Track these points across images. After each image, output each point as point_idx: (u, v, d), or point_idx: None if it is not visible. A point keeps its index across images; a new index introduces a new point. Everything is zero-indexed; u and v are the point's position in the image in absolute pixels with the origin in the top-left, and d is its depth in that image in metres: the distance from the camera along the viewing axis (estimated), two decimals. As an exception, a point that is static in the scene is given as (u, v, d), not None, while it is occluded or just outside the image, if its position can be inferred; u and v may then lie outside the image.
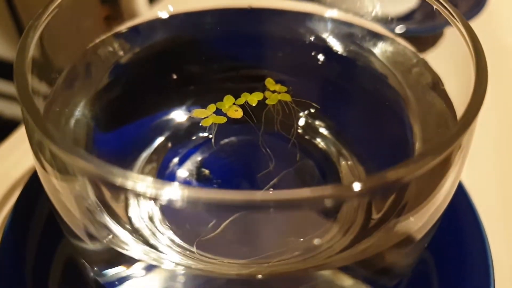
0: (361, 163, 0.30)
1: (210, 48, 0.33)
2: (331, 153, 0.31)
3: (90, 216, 0.24)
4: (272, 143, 0.30)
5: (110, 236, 0.25)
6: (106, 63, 0.32)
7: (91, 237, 0.23)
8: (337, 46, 0.32)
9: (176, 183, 0.16)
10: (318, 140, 0.31)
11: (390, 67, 0.30)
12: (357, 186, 0.17)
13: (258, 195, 0.17)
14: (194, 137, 0.33)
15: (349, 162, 0.30)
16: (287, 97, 0.29)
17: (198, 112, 0.28)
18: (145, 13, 0.32)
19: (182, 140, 0.32)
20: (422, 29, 0.31)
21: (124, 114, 0.32)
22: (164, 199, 0.18)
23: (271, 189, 0.30)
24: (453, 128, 0.23)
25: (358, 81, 0.31)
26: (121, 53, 0.32)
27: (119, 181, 0.17)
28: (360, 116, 0.31)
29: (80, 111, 0.30)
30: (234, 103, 0.29)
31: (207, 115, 0.28)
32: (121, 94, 0.32)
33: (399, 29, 0.32)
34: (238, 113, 0.28)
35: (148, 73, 0.32)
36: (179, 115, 0.33)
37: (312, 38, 0.32)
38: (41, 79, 0.27)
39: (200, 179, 0.31)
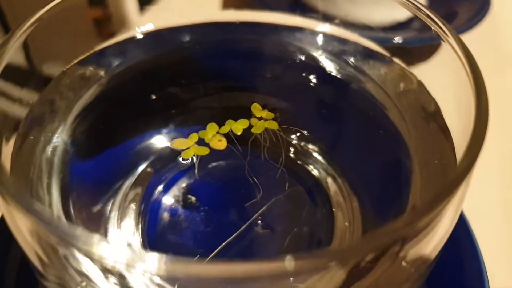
0: (353, 189, 0.28)
1: (193, 69, 0.31)
2: (322, 179, 0.29)
3: (60, 264, 0.22)
4: (260, 171, 0.28)
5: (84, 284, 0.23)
6: (84, 85, 0.29)
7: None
8: (329, 65, 0.30)
9: (146, 254, 0.14)
10: (309, 165, 0.29)
11: (385, 89, 0.28)
12: (340, 256, 0.15)
13: (238, 270, 0.15)
14: (178, 162, 0.31)
15: (341, 187, 0.28)
16: (274, 125, 0.27)
17: (179, 143, 0.26)
18: (135, 23, 0.30)
19: (167, 164, 0.31)
20: (416, 40, 0.29)
21: (104, 139, 0.30)
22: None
23: (259, 219, 0.28)
24: (450, 173, 0.21)
25: (351, 105, 0.29)
26: (101, 73, 0.30)
27: (78, 246, 0.16)
28: (353, 141, 0.29)
29: (58, 137, 0.28)
30: (218, 132, 0.27)
31: (188, 145, 0.26)
32: (100, 118, 0.30)
33: (393, 39, 0.30)
34: (221, 144, 0.26)
35: (127, 96, 0.30)
36: (161, 140, 0.31)
37: (302, 57, 0.30)
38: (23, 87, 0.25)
39: (187, 206, 0.29)
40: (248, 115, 0.28)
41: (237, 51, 0.31)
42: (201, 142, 0.27)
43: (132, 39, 0.30)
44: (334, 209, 0.28)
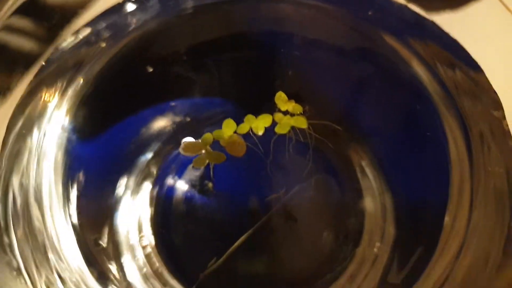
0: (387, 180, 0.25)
1: (205, 48, 0.25)
2: (353, 168, 0.25)
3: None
4: (284, 168, 0.25)
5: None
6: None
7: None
8: (371, 45, 0.24)
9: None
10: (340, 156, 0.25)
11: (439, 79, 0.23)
12: None
13: None
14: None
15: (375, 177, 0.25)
16: (302, 123, 0.23)
17: (189, 148, 0.22)
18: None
19: (179, 143, 0.27)
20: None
21: (111, 120, 0.26)
22: None
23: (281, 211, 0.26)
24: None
25: (394, 96, 0.24)
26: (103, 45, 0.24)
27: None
28: (393, 131, 0.25)
29: (59, 124, 0.24)
30: (235, 132, 0.23)
31: (200, 150, 0.22)
32: (105, 99, 0.26)
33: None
34: (240, 150, 0.22)
35: (132, 71, 0.25)
36: (171, 117, 0.27)
37: (336, 32, 0.24)
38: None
39: (203, 192, 0.26)
40: (271, 109, 0.24)
41: (261, 17, 0.24)
42: (215, 146, 0.23)
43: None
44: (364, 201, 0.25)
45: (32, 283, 0.20)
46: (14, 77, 0.23)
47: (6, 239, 0.21)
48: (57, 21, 0.24)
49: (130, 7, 0.25)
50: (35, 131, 0.23)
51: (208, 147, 0.23)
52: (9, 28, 0.22)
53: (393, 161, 0.26)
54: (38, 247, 0.22)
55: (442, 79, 0.23)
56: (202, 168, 0.24)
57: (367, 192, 0.26)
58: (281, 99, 0.23)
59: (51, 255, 0.22)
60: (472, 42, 0.22)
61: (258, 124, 0.23)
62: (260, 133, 0.23)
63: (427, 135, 0.24)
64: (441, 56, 0.23)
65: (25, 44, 0.24)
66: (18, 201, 0.22)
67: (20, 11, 0.21)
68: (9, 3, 0.21)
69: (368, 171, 0.26)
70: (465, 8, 0.22)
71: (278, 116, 0.23)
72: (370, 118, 0.25)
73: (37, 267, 0.21)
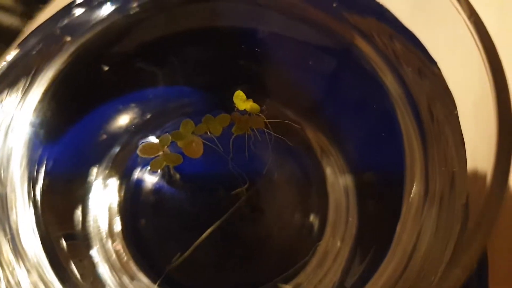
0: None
1: (168, 43, 0.24)
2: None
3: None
4: (245, 165, 0.25)
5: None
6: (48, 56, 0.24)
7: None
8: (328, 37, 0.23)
9: None
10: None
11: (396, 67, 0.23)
12: None
13: None
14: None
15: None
16: (259, 123, 0.23)
17: (147, 150, 0.23)
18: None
19: (147, 135, 0.27)
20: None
21: (77, 115, 0.26)
22: None
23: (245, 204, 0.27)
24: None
25: (349, 82, 0.24)
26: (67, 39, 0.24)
27: None
28: (350, 119, 0.25)
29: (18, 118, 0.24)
30: (193, 132, 0.23)
31: (157, 152, 0.23)
32: (70, 94, 0.26)
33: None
34: (197, 151, 0.23)
35: (95, 68, 0.25)
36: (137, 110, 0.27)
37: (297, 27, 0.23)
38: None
39: (171, 183, 0.27)
40: (229, 108, 0.23)
41: (224, 13, 0.24)
42: (173, 145, 0.23)
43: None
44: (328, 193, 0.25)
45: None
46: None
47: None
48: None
49: (89, 2, 0.24)
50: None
51: (166, 149, 0.23)
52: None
53: (353, 146, 0.26)
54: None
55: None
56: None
57: (330, 183, 0.26)
58: (239, 98, 0.23)
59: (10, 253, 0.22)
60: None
61: (216, 125, 0.23)
62: (217, 134, 0.23)
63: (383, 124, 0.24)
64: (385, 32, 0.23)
65: (4, 19, 0.23)
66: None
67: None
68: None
69: (330, 162, 0.26)
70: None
71: (236, 116, 0.23)
72: (329, 110, 0.25)
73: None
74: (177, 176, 0.27)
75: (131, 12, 0.25)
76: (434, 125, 0.22)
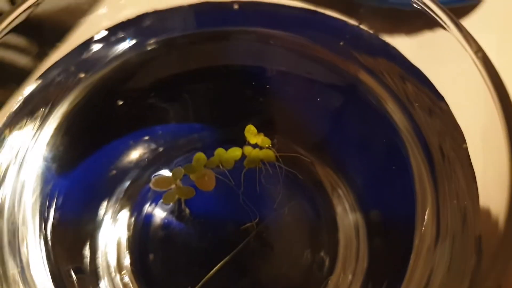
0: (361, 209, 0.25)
1: (179, 80, 0.25)
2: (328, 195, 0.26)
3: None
4: (256, 199, 0.25)
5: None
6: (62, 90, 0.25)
7: None
8: (338, 72, 0.24)
9: None
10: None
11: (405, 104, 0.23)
12: None
13: None
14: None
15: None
16: (270, 156, 0.23)
17: (159, 183, 0.23)
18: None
19: (157, 170, 0.27)
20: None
21: (89, 149, 0.26)
22: None
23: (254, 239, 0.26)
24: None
25: (358, 119, 0.24)
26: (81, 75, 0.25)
27: None
28: (360, 158, 0.25)
29: (31, 154, 0.25)
30: (205, 166, 0.23)
31: (170, 185, 0.23)
32: (83, 129, 0.27)
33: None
34: (209, 184, 0.23)
35: (109, 103, 0.25)
36: (146, 149, 0.27)
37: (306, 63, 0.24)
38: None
39: (180, 219, 0.27)
40: (241, 142, 0.24)
41: (234, 51, 0.24)
42: (185, 181, 0.24)
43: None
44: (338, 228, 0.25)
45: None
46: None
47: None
48: (49, 38, 0.25)
49: (107, 39, 0.25)
50: (14, 161, 0.24)
51: (179, 182, 0.23)
52: (4, 46, 0.22)
53: (362, 182, 0.26)
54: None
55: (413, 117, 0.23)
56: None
57: (340, 218, 0.26)
58: (250, 132, 0.23)
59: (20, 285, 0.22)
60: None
61: (228, 158, 0.23)
62: (229, 167, 0.23)
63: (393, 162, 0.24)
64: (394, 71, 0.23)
65: (18, 60, 0.24)
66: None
67: (15, 29, 0.22)
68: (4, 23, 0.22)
69: (340, 198, 0.26)
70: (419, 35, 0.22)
71: (248, 149, 0.24)
72: (338, 146, 0.25)
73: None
74: (187, 210, 0.27)
75: (147, 49, 0.26)
76: (444, 161, 0.22)
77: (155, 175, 0.24)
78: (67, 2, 0.24)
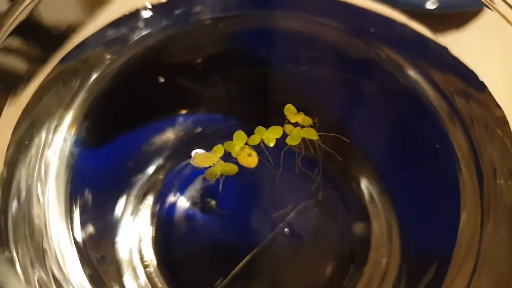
0: (394, 204, 0.25)
1: (214, 52, 0.25)
2: (362, 191, 0.25)
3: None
4: (292, 183, 0.24)
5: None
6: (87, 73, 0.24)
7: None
8: (380, 61, 0.24)
9: None
10: (349, 176, 0.25)
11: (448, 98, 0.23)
12: None
13: None
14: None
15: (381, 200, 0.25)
16: (312, 134, 0.23)
17: (201, 159, 0.22)
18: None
19: (183, 158, 0.26)
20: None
21: (112, 135, 0.25)
22: None
23: (286, 229, 0.26)
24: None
25: (405, 112, 0.24)
26: (107, 57, 0.24)
27: None
28: (402, 153, 0.25)
29: (58, 137, 0.24)
30: (246, 143, 0.22)
31: (212, 162, 0.22)
32: (107, 112, 0.25)
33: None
34: (252, 161, 0.22)
35: (135, 85, 0.24)
36: (174, 133, 0.26)
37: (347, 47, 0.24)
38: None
39: (205, 210, 0.26)
40: (281, 120, 0.24)
41: (267, 30, 0.24)
42: (227, 158, 0.23)
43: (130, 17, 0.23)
44: (372, 224, 0.25)
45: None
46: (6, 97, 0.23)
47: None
48: (51, 41, 0.24)
49: (137, 18, 0.25)
50: (39, 141, 0.22)
51: (220, 160, 0.23)
52: (6, 49, 0.21)
53: (398, 181, 0.26)
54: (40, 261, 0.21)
55: (455, 106, 0.24)
56: (213, 180, 0.24)
57: (372, 208, 0.26)
58: (290, 111, 0.24)
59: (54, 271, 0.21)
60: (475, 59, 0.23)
61: (269, 135, 0.23)
62: (271, 144, 0.23)
63: (435, 158, 0.24)
64: (443, 75, 0.24)
65: (20, 64, 0.23)
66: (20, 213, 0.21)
67: (15, 32, 0.21)
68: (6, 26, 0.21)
69: (373, 186, 0.26)
70: (467, 27, 0.23)
71: (289, 127, 0.24)
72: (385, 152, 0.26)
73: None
74: (213, 202, 0.26)
75: (172, 31, 0.26)
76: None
77: (195, 152, 0.24)
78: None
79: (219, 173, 0.22)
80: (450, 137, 0.23)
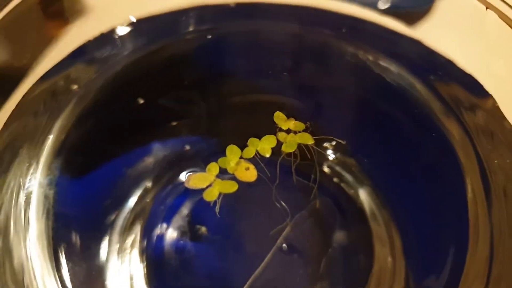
0: (394, 214, 0.24)
1: (195, 67, 0.23)
2: (359, 198, 0.24)
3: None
4: (289, 194, 0.23)
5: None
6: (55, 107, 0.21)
7: None
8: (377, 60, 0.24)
9: None
10: (346, 182, 0.24)
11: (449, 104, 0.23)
12: None
13: None
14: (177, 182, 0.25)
15: (380, 209, 0.24)
16: (308, 139, 0.22)
17: (196, 180, 0.20)
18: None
19: (170, 181, 0.24)
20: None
21: (88, 169, 0.23)
22: None
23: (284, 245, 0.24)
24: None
25: (401, 112, 0.24)
26: (74, 87, 0.22)
27: None
28: (399, 158, 0.24)
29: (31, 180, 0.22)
30: (241, 157, 0.21)
31: (209, 181, 0.20)
32: (81, 146, 0.23)
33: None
34: (251, 175, 0.21)
35: (110, 112, 0.22)
36: (157, 157, 0.24)
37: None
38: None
39: (196, 238, 0.23)
40: (270, 126, 0.22)
41: (246, 42, 0.23)
42: (223, 173, 0.21)
43: (110, 34, 0.21)
44: (372, 233, 0.24)
45: None
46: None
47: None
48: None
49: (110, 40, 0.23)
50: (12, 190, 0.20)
51: (216, 178, 0.21)
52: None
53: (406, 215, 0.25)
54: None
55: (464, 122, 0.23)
56: (211, 202, 0.22)
57: (375, 225, 0.25)
58: (280, 118, 0.22)
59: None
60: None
61: (264, 145, 0.22)
62: (268, 155, 0.22)
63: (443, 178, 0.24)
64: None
65: None
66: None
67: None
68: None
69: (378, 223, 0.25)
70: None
71: (282, 135, 0.22)
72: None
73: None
74: (203, 229, 0.24)
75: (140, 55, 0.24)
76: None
77: (189, 173, 0.22)
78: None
79: (218, 192, 0.20)
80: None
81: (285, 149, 0.22)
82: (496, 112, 0.22)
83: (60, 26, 0.23)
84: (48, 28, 0.23)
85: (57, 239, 0.21)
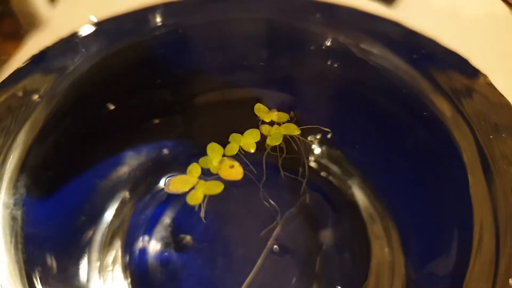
0: (387, 203, 0.23)
1: (164, 66, 0.21)
2: (350, 190, 0.23)
3: None
4: (278, 190, 0.22)
5: None
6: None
7: None
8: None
9: None
10: (333, 174, 0.23)
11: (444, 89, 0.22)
12: None
13: None
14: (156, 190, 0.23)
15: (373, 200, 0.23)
16: (293, 129, 0.20)
17: (177, 183, 0.18)
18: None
19: (145, 193, 0.22)
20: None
21: (58, 185, 0.21)
22: None
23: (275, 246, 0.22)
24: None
25: (389, 98, 0.23)
26: (35, 97, 0.20)
27: None
28: (390, 148, 0.23)
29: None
30: (224, 155, 0.19)
31: (192, 184, 0.18)
32: (48, 160, 0.22)
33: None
34: (236, 173, 0.19)
35: (76, 121, 0.20)
36: (131, 165, 0.22)
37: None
38: None
39: (181, 248, 0.22)
40: (251, 120, 0.21)
41: (217, 34, 0.22)
42: (205, 174, 0.20)
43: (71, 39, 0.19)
44: (366, 224, 0.23)
45: None
46: None
47: None
48: None
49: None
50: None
51: (198, 180, 0.19)
52: None
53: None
54: None
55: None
56: (196, 206, 0.20)
57: (369, 217, 0.24)
58: (261, 110, 0.21)
59: None
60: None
61: (247, 140, 0.20)
62: (252, 150, 0.20)
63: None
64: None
65: None
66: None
67: None
68: None
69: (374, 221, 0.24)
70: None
71: (266, 128, 0.21)
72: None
73: None
74: (188, 238, 0.23)
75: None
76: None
77: (169, 177, 0.20)
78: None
79: (203, 194, 0.19)
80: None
81: (270, 142, 0.20)
82: (487, 87, 0.21)
83: (17, 45, 0.21)
84: (4, 49, 0.21)
85: (30, 264, 0.19)
